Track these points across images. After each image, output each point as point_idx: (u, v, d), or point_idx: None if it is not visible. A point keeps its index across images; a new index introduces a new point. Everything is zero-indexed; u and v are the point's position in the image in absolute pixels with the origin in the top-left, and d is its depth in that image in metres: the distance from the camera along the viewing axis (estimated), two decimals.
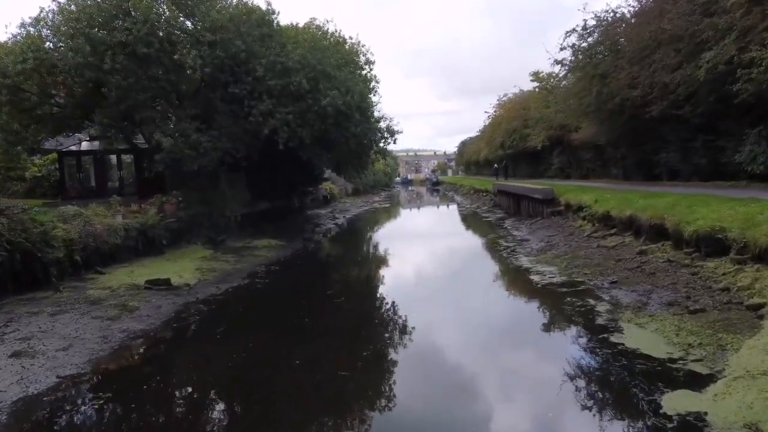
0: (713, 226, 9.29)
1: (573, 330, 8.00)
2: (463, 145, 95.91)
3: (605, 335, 7.28)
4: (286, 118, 19.03)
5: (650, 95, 17.00)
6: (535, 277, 11.52)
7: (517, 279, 12.06)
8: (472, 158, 75.80)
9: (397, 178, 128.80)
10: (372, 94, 23.23)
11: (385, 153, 26.59)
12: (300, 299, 11.50)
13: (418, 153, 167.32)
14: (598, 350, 6.80)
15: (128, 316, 9.75)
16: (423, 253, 18.22)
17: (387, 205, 47.62)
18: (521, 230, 19.64)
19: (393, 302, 10.91)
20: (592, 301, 9.10)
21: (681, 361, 6.08)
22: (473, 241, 21.08)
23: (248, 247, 18.86)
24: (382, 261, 17.13)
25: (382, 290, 12.50)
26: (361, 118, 20.80)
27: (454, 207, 41.13)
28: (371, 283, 14.00)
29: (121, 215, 16.38)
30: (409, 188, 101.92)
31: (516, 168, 48.93)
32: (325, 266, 16.58)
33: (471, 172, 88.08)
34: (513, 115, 40.77)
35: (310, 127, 19.65)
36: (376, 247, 21.09)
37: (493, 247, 16.92)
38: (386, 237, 24.07)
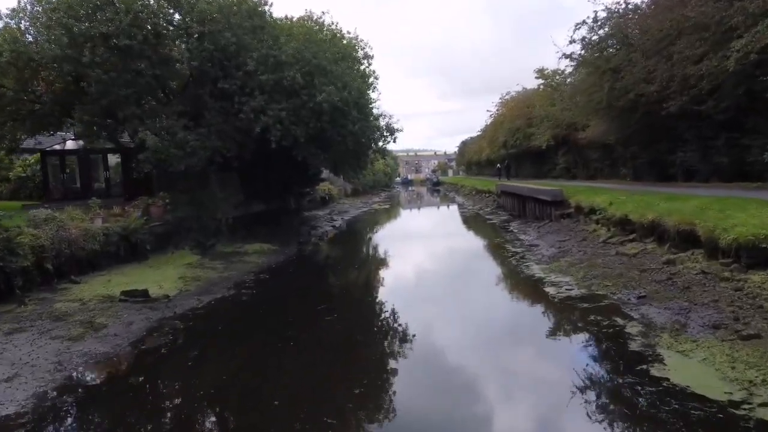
0: (757, 234, 8.14)
1: (604, 360, 6.85)
2: (464, 144, 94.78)
3: (644, 366, 6.14)
4: (278, 115, 17.89)
5: (668, 90, 15.87)
6: (550, 290, 10.38)
7: (530, 291, 10.90)
8: (474, 158, 74.71)
9: (398, 179, 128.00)
10: (371, 91, 22.10)
11: (384, 152, 25.42)
12: (287, 315, 10.32)
13: (418, 153, 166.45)
14: (639, 389, 5.64)
15: (93, 336, 8.61)
16: (425, 259, 17.03)
17: (387, 207, 46.43)
18: (529, 234, 18.49)
19: (393, 320, 9.78)
20: (619, 320, 7.96)
21: (746, 406, 4.95)
22: (478, 246, 19.93)
23: (238, 252, 17.73)
24: (381, 269, 15.96)
25: (380, 306, 11.24)
26: (359, 115, 19.64)
27: (455, 208, 40.00)
28: (369, 296, 12.68)
29: (101, 219, 15.24)
30: (410, 188, 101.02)
31: (519, 168, 47.82)
32: (318, 275, 15.37)
33: (472, 172, 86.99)
34: (516, 114, 39.62)
35: (304, 124, 18.51)
36: (374, 252, 19.95)
37: (500, 253, 15.78)
38: (386, 241, 22.94)
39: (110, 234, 14.85)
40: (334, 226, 27.55)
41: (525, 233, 18.94)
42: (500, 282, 12.65)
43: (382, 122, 22.30)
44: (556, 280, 11.12)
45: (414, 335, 8.36)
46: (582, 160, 31.80)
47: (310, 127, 18.59)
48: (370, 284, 13.84)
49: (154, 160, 17.05)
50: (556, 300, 9.64)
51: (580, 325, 8.20)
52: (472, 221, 28.00)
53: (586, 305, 9.01)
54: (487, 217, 27.98)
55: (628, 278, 9.97)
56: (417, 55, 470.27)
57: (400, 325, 9.24)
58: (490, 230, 22.60)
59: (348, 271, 15.99)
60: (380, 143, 22.50)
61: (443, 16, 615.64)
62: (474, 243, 20.83)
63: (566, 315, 8.85)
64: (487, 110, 52.93)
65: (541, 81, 34.51)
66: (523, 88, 43.17)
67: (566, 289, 10.21)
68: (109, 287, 12.14)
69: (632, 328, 7.51)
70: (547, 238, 16.47)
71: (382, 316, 10.27)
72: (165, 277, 13.31)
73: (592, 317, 8.28)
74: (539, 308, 9.70)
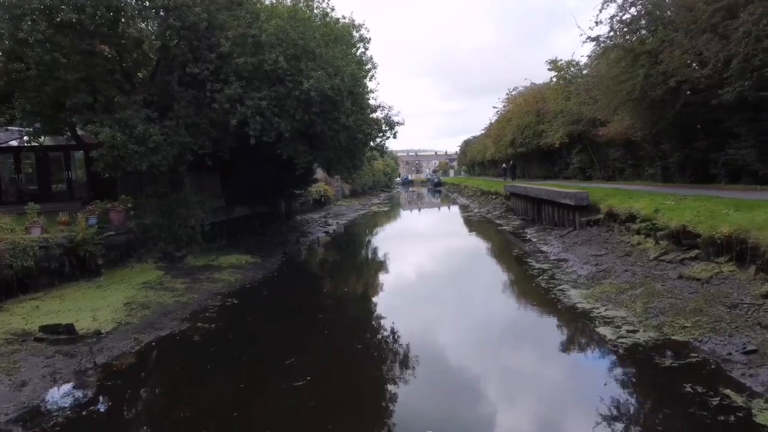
0: None
1: None
2: (466, 144, 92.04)
3: None
4: (258, 105, 15.23)
5: (723, 74, 13.21)
6: (604, 330, 7.70)
7: (577, 332, 8.21)
8: (477, 158, 72.04)
9: (398, 179, 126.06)
10: (367, 80, 19.38)
11: (383, 150, 22.67)
12: (244, 373, 7.52)
13: (418, 153, 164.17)
14: None
15: None
16: (432, 280, 14.13)
17: (386, 209, 43.72)
18: (552, 245, 15.83)
19: (390, 375, 7.11)
20: (731, 395, 5.29)
21: None
22: (495, 260, 17.11)
23: (211, 266, 15.07)
24: (377, 294, 13.08)
25: (376, 350, 8.40)
26: (354, 106, 16.96)
27: (459, 211, 37.34)
28: (360, 347, 8.50)
29: (40, 229, 12.57)
30: (410, 189, 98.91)
31: (527, 168, 45.20)
32: (298, 302, 12.15)
33: (474, 172, 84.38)
34: (525, 110, 36.92)
35: (289, 117, 15.85)
36: (370, 266, 17.26)
37: (523, 271, 13.11)
38: (383, 250, 20.27)
39: (50, 247, 12.22)
40: (327, 232, 24.87)
41: (546, 243, 16.28)
42: (535, 317, 9.79)
43: (380, 114, 19.61)
44: (607, 313, 8.45)
45: (418, 404, 5.69)
46: (600, 159, 29.10)
47: (296, 119, 15.93)
48: (363, 323, 10.42)
49: (109, 158, 14.37)
50: (618, 350, 6.95)
51: (671, 400, 5.51)
52: (481, 227, 25.30)
53: (666, 362, 6.33)
54: (497, 221, 25.32)
55: (714, 317, 7.30)
56: (420, 55, 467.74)
57: (400, 390, 6.55)
58: (504, 239, 19.93)
59: (335, 297, 13.11)
60: (378, 139, 19.82)
61: (447, 16, 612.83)
62: (489, 255, 17.95)
63: (644, 380, 6.16)
64: (493, 106, 50.36)
65: (553, 73, 31.83)
66: (532, 83, 40.58)
67: (627, 331, 7.53)
68: (31, 318, 9.48)
69: (762, 414, 4.84)
70: (576, 251, 13.80)
71: (376, 381, 7.17)
72: (108, 303, 10.65)
73: (686, 387, 5.61)
74: (599, 365, 6.91)
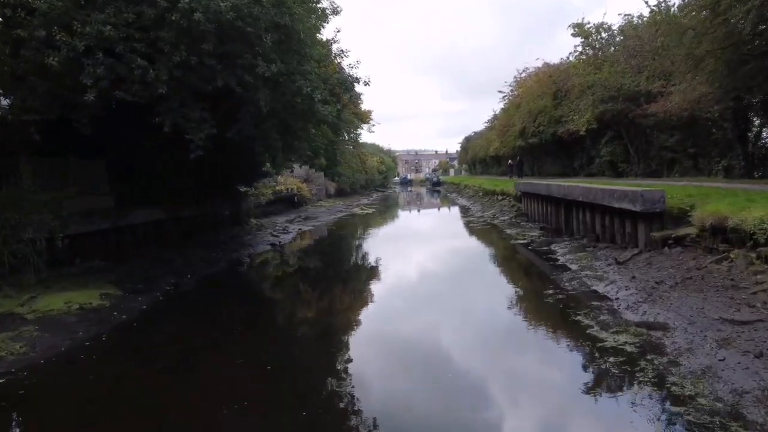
0: None
1: None
2: (467, 141, 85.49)
3: None
4: (101, 34, 8.70)
5: None
6: None
7: None
8: (479, 155, 65.53)
9: (396, 178, 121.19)
10: (317, 20, 12.74)
11: (344, 128, 15.99)
12: None
13: (418, 152, 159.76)
14: None
15: None
16: (412, 350, 7.22)
17: (371, 211, 36.82)
18: (613, 281, 9.16)
19: None
20: None
21: None
22: (519, 316, 8.91)
23: (13, 315, 8.52)
24: (311, 363, 6.64)
25: None
26: (284, 49, 10.41)
27: (460, 214, 30.74)
28: None
29: None
30: (409, 189, 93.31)
31: (539, 165, 38.74)
32: (131, 395, 5.99)
33: (476, 170, 77.97)
34: (539, 92, 30.35)
35: (165, 59, 9.34)
36: (311, 309, 10.66)
37: (580, 345, 6.38)
38: (345, 275, 13.77)
39: None
40: (274, 245, 18.21)
41: (601, 277, 9.57)
42: None
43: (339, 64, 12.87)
44: None
45: None
46: (640, 149, 22.50)
47: (177, 64, 9.40)
48: None
49: None
50: None
51: None
52: (486, 240, 18.58)
53: None
54: (507, 230, 18.68)
55: None
56: (423, 53, 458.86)
57: None
58: (524, 263, 13.29)
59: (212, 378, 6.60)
60: (339, 106, 13.07)
61: (451, 13, 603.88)
62: (508, 306, 9.29)
63: None
64: (499, 90, 43.61)
65: (578, 41, 25.09)
66: (545, 63, 33.96)
67: None
68: None
69: None
70: (677, 304, 7.11)
71: None
72: None
73: None
74: None
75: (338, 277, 13.45)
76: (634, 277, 8.87)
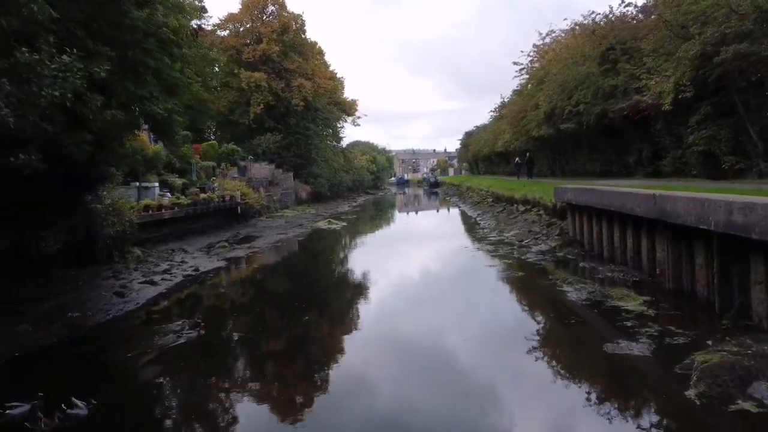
0: None
1: None
2: (468, 136, 76.59)
3: None
4: None
5: None
6: None
7: None
8: (482, 151, 56.57)
9: (392, 179, 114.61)
10: None
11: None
12: None
13: (416, 152, 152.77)
14: None
15: None
16: None
17: (339, 226, 26.33)
18: None
19: None
20: None
21: None
22: None
23: None
24: None
25: None
26: None
27: (467, 233, 21.56)
28: None
29: None
30: (405, 190, 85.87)
31: (564, 161, 29.79)
32: None
33: (478, 170, 69.08)
34: (578, 55, 21.25)
35: None
36: None
37: None
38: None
39: None
40: (111, 310, 8.98)
41: None
42: None
43: None
44: None
45: None
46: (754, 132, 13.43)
47: None
48: None
49: None
50: None
51: None
52: (541, 312, 9.47)
53: None
54: (566, 288, 9.39)
55: None
56: (422, 52, 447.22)
57: None
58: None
59: None
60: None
61: (450, 15, 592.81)
62: None
63: None
64: (514, 62, 34.44)
65: None
66: (575, 24, 24.79)
67: None
68: None
69: None
70: None
71: None
72: None
73: None
74: None
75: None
76: None
